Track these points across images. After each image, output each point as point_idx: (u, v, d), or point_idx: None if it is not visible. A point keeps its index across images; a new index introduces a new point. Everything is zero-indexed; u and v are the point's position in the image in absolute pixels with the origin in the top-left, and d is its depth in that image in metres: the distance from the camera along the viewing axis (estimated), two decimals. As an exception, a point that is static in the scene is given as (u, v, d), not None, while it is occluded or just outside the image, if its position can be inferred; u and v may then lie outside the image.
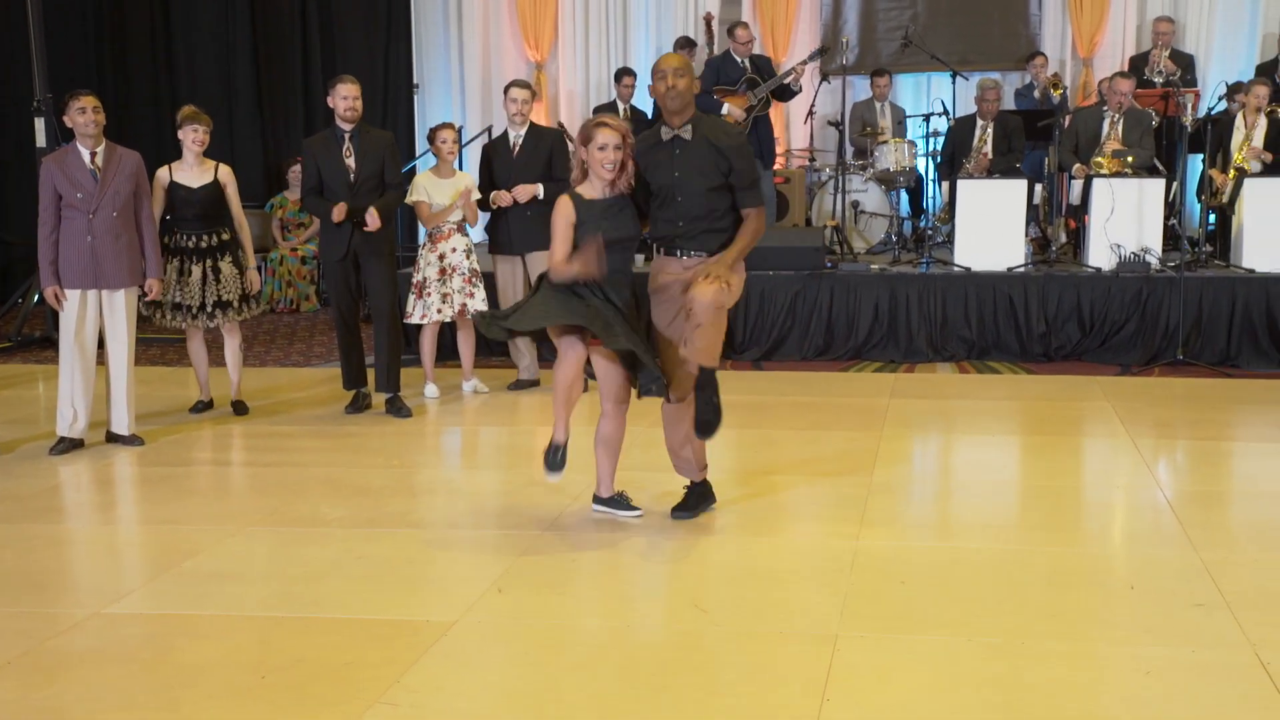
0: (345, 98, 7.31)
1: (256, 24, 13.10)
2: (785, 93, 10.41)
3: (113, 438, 6.89)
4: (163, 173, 7.34)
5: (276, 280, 11.70)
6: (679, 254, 5.17)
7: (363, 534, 5.31)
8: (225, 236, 7.41)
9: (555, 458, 5.30)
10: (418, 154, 12.93)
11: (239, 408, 7.57)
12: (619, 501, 5.44)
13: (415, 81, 13.43)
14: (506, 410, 7.77)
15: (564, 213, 5.09)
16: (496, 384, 8.19)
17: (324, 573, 4.85)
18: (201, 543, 5.20)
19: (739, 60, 10.28)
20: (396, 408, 7.57)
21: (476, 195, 7.94)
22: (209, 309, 7.33)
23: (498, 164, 8.03)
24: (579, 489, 5.82)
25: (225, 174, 7.42)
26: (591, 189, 5.11)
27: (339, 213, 7.23)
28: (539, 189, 7.92)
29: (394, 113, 13.37)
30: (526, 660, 4.08)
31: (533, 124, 8.17)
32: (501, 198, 7.89)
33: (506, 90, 8.16)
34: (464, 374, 8.15)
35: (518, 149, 8.03)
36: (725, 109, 10.03)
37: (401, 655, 4.01)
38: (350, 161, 7.33)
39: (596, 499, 5.48)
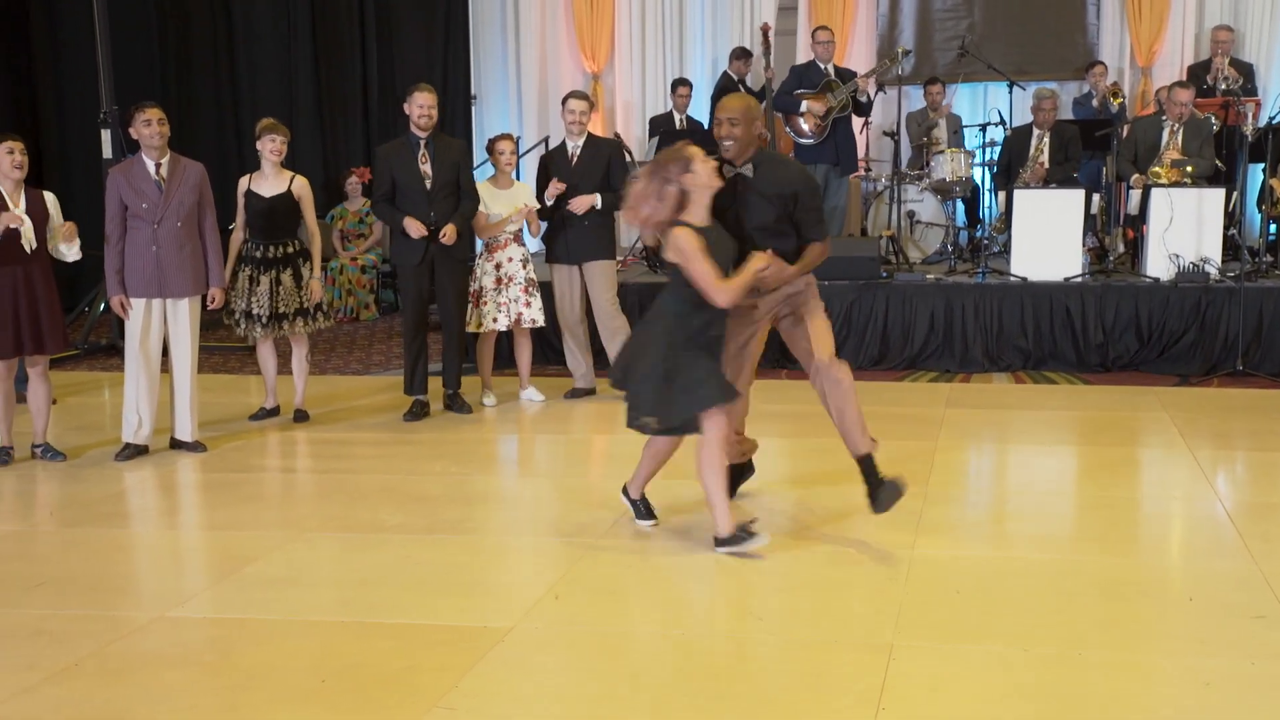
0: (421, 105, 7.46)
1: (317, 36, 13.25)
2: (860, 107, 10.43)
3: (176, 444, 6.99)
4: (243, 183, 7.51)
5: (337, 289, 11.81)
6: None
7: (421, 540, 5.35)
8: (291, 249, 7.50)
9: (748, 531, 5.05)
10: (475, 164, 13.00)
11: (300, 416, 7.65)
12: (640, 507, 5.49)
13: (473, 92, 13.51)
14: (562, 419, 7.80)
15: (694, 243, 4.88)
16: (553, 392, 8.22)
17: (382, 578, 4.89)
18: (263, 548, 5.26)
19: (822, 66, 10.32)
20: (459, 404, 7.74)
21: (535, 205, 7.98)
22: (276, 319, 7.44)
23: (556, 174, 8.05)
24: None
25: (300, 185, 7.52)
26: (695, 215, 4.98)
27: (417, 230, 7.35)
28: (597, 199, 7.95)
29: (452, 123, 13.42)
30: (582, 666, 4.10)
31: (590, 134, 8.21)
32: (553, 189, 7.90)
33: (564, 101, 8.20)
34: (521, 382, 8.19)
35: (576, 159, 8.06)
36: (804, 106, 10.07)
37: (459, 660, 4.04)
38: (426, 168, 7.45)
39: (629, 498, 5.53)
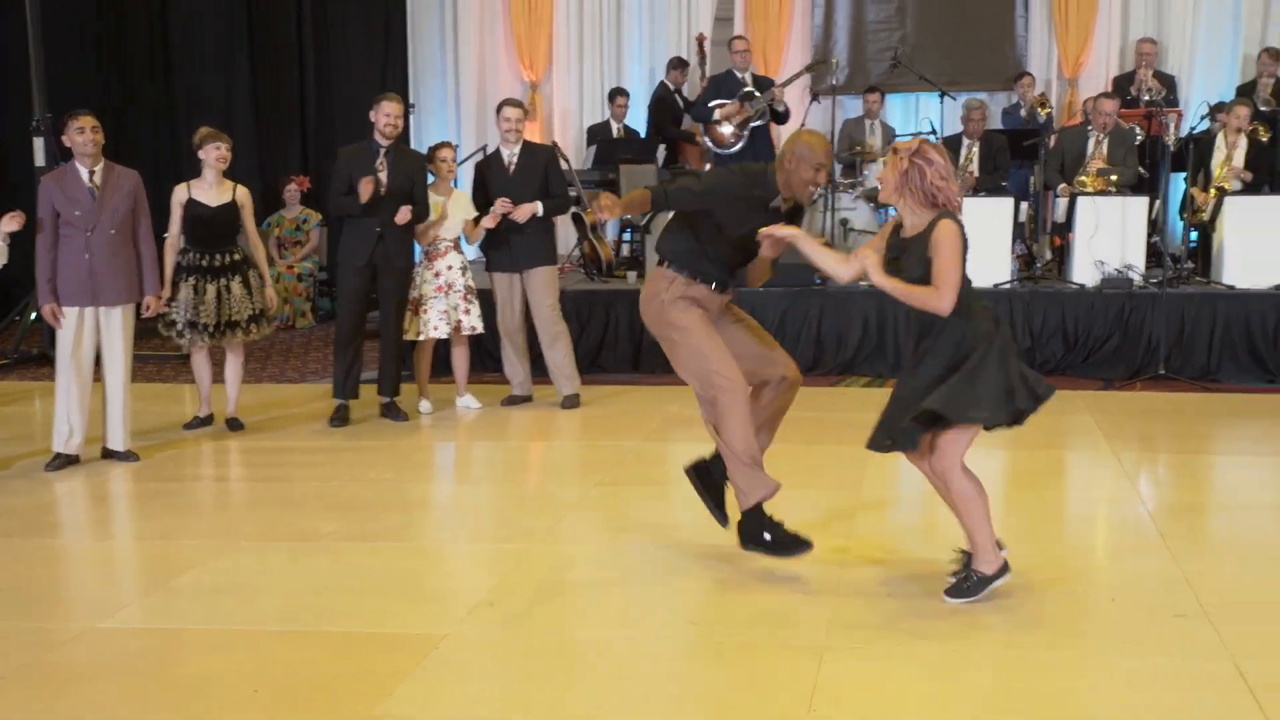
0: (388, 114, 7.53)
1: (254, 45, 13.10)
2: (777, 115, 10.49)
3: (109, 454, 6.88)
4: (181, 190, 7.39)
5: (297, 297, 11.77)
6: (721, 289, 5.04)
7: (358, 547, 5.31)
8: (238, 256, 7.44)
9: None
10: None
11: (234, 424, 7.57)
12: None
13: (411, 101, 13.43)
14: (499, 426, 7.77)
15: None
16: (489, 399, 8.19)
17: (319, 586, 4.85)
18: (196, 557, 5.20)
19: (739, 75, 10.35)
20: (395, 412, 7.72)
21: (474, 213, 7.97)
22: (221, 328, 7.37)
23: (494, 182, 8.03)
24: (568, 504, 5.83)
25: (243, 195, 7.46)
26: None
27: (367, 188, 7.35)
28: (539, 207, 7.97)
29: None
30: (518, 672, 4.08)
31: (526, 142, 8.21)
32: (500, 205, 7.87)
33: (500, 109, 8.18)
34: (458, 390, 8.15)
35: (514, 167, 8.05)
36: (718, 115, 10.12)
37: (395, 667, 4.01)
38: (382, 176, 7.47)
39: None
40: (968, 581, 4.49)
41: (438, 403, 8.04)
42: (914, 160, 4.35)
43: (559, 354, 8.15)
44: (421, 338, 7.91)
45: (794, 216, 5.01)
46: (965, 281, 4.40)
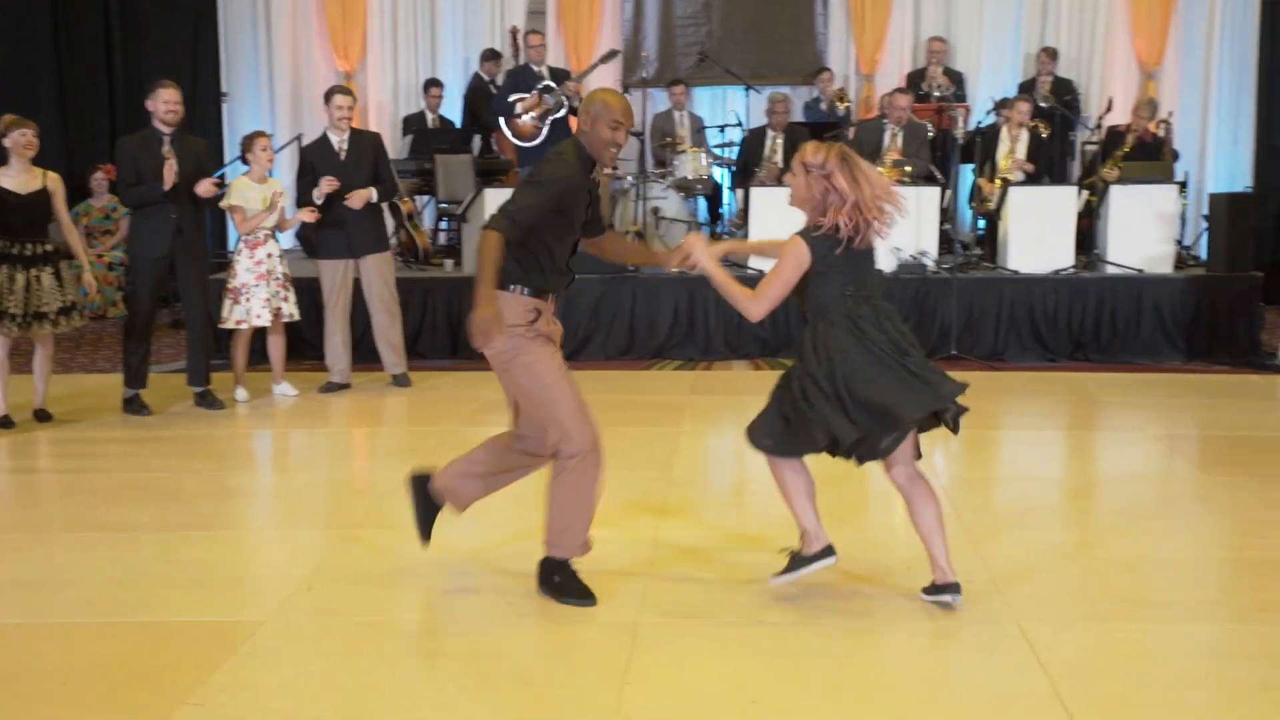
0: (167, 102, 7.31)
1: (59, 33, 12.54)
2: (576, 110, 10.51)
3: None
4: None
5: (83, 286, 11.24)
6: (552, 299, 4.47)
7: (173, 537, 5.15)
8: (49, 247, 7.13)
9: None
10: (226, 161, 12.59)
11: (43, 416, 7.26)
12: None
13: (224, 89, 13.08)
14: (316, 413, 7.63)
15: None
16: (305, 387, 8.04)
17: (133, 577, 4.69)
18: (3, 552, 4.98)
19: (536, 69, 10.33)
20: (210, 400, 7.55)
21: (287, 201, 7.83)
22: (29, 319, 7.04)
23: (324, 168, 7.91)
24: (386, 489, 5.77)
25: (54, 181, 7.16)
26: None
27: (170, 173, 7.20)
28: (372, 193, 7.94)
29: (203, 121, 12.97)
30: (335, 656, 4.02)
31: (354, 129, 8.14)
32: (325, 185, 7.75)
33: (330, 96, 8.04)
34: (274, 377, 7.97)
35: (344, 153, 7.95)
36: (518, 109, 10.08)
37: (210, 656, 3.91)
38: (170, 162, 7.27)
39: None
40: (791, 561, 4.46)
41: (253, 391, 7.86)
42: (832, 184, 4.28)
43: (395, 334, 8.14)
44: (243, 326, 7.73)
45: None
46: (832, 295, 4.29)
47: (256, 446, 7.17)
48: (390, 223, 10.47)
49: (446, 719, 3.52)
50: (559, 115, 10.23)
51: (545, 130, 10.15)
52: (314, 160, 7.97)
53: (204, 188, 7.30)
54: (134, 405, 7.46)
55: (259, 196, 7.72)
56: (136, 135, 7.46)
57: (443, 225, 11.41)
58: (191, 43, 12.93)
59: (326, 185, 7.75)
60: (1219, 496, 5.75)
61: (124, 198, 7.68)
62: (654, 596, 4.44)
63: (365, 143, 8.11)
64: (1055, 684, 3.67)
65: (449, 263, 10.26)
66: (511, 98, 10.18)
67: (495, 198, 9.66)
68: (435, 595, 4.61)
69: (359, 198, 7.84)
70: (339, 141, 7.95)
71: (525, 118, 10.12)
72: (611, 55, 10.91)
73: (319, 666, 3.95)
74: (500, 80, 11.85)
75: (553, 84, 10.23)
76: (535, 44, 10.49)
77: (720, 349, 9.31)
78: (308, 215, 7.76)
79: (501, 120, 10.34)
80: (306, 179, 7.93)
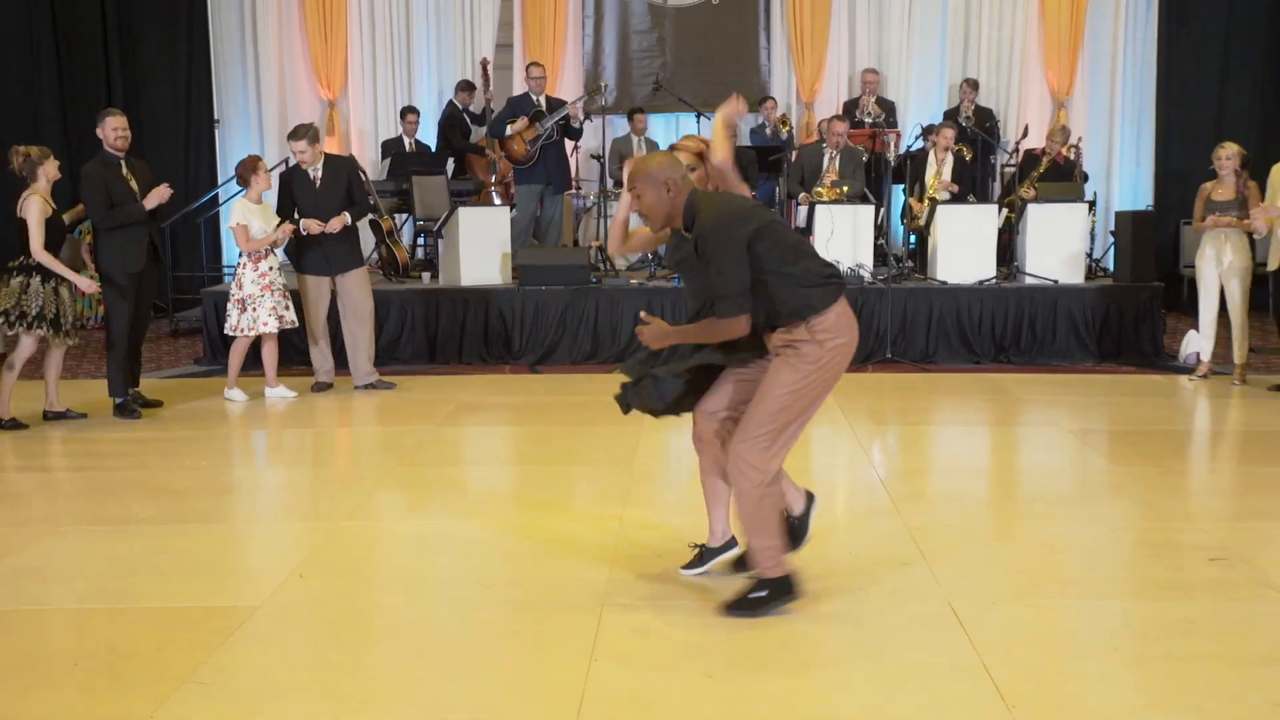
0: (116, 129, 7.38)
1: (61, 64, 12.36)
2: (571, 131, 10.61)
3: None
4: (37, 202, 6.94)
5: (88, 299, 11.12)
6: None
7: (172, 530, 5.11)
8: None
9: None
10: (220, 183, 12.52)
11: (52, 416, 7.23)
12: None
13: (216, 117, 12.99)
14: (309, 413, 7.58)
15: None
16: (298, 388, 7.99)
17: (134, 567, 4.64)
18: (10, 544, 4.91)
19: (534, 98, 10.42)
20: (129, 411, 7.44)
21: (291, 225, 7.90)
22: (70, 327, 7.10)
23: (301, 194, 7.94)
24: (373, 484, 5.73)
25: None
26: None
27: (164, 193, 7.35)
28: (347, 217, 7.95)
29: (196, 146, 12.89)
30: (327, 639, 3.99)
31: (328, 155, 8.13)
32: (312, 226, 7.82)
33: (289, 142, 8.03)
34: (269, 381, 7.94)
35: (319, 182, 7.96)
36: (510, 131, 10.22)
37: (209, 638, 3.88)
38: (132, 184, 7.36)
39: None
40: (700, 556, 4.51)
41: (249, 394, 7.79)
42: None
43: (366, 346, 8.20)
44: (252, 333, 7.77)
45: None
46: None
47: (251, 445, 7.10)
48: (371, 239, 10.46)
49: (424, 695, 3.50)
50: (549, 141, 10.37)
51: (535, 155, 10.31)
52: (292, 185, 8.00)
53: (162, 193, 7.36)
54: (124, 410, 7.41)
55: (261, 216, 7.79)
56: (96, 162, 7.41)
57: (420, 241, 11.36)
58: (185, 73, 12.82)
59: (315, 227, 7.82)
60: (1127, 485, 5.81)
61: (105, 221, 7.33)
62: (618, 581, 4.44)
63: (340, 168, 8.09)
64: (982, 656, 3.70)
65: (426, 275, 10.25)
66: (506, 121, 10.33)
67: (468, 216, 9.66)
68: (419, 584, 4.59)
69: (336, 223, 7.88)
70: (313, 172, 7.97)
71: (518, 142, 10.26)
72: (605, 87, 11.04)
73: (310, 647, 3.92)
74: (474, 108, 11.84)
75: (544, 112, 10.33)
76: (536, 75, 10.61)
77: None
78: (285, 232, 7.81)
79: (495, 142, 10.44)
80: (284, 199, 7.99)
